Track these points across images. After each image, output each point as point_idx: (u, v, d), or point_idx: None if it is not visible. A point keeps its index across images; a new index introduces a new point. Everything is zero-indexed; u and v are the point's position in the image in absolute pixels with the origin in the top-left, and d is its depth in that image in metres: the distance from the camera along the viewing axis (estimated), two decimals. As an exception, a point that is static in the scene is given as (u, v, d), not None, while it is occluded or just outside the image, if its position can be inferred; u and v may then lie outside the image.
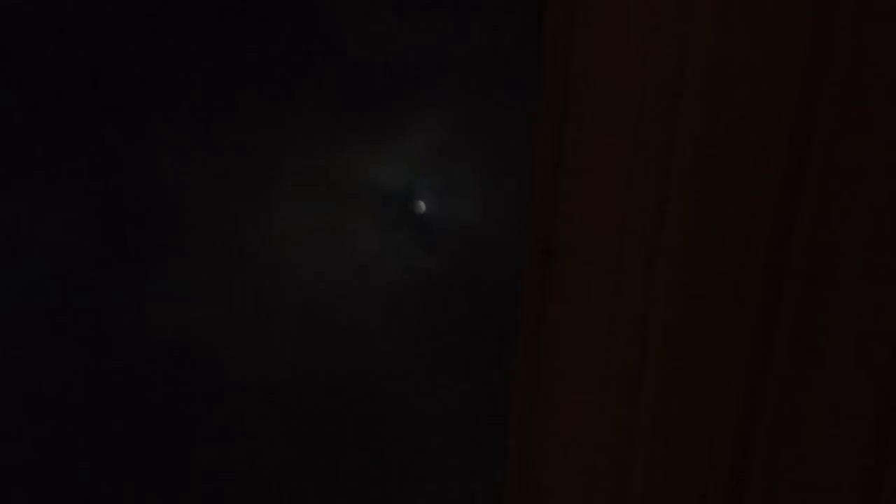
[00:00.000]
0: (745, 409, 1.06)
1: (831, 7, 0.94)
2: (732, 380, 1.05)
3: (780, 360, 1.03)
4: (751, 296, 1.03)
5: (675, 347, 1.07)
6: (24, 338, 1.27)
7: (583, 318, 1.13)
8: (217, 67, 1.23)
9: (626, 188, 1.07)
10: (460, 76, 1.23)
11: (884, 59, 0.93)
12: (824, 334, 1.00)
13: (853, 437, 1.00)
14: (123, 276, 1.27)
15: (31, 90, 1.21)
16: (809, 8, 0.95)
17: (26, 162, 1.23)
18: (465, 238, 1.28)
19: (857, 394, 0.99)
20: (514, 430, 1.19)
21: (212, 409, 1.32)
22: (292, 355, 1.31)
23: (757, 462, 1.06)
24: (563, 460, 1.17)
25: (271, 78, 1.24)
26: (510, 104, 1.22)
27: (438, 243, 1.28)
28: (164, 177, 1.25)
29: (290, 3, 1.22)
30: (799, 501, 1.04)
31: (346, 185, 1.27)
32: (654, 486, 1.11)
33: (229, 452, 1.34)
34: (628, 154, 1.07)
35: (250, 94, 1.24)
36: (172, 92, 1.23)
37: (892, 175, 0.94)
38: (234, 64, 1.23)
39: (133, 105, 1.24)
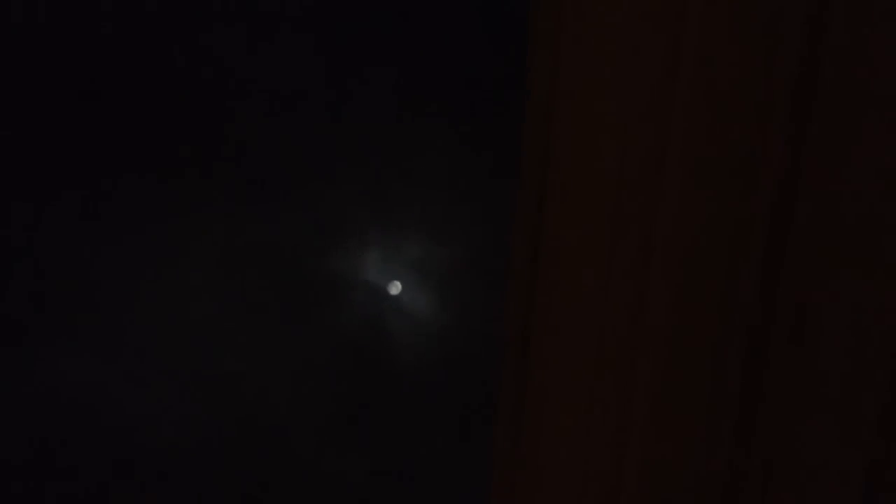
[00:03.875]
0: (734, 458, 1.02)
1: (821, 11, 0.88)
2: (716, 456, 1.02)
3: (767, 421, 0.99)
4: (734, 373, 0.99)
5: (658, 428, 1.04)
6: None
7: (563, 407, 1.09)
8: (123, 131, 1.14)
9: (607, 275, 1.04)
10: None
11: (879, 61, 0.87)
12: (818, 369, 0.96)
13: (851, 440, 0.96)
14: (18, 350, 1.20)
15: None
16: (799, 23, 0.89)
17: None
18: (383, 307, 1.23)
19: (854, 400, 0.95)
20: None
21: (111, 479, 1.26)
22: (194, 425, 1.26)
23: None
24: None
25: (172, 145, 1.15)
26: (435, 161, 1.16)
27: (361, 312, 1.22)
28: (58, 244, 1.17)
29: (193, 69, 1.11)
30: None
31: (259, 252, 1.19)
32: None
33: None
34: (609, 239, 1.04)
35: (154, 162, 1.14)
36: (67, 157, 1.13)
37: (889, 176, 0.89)
38: (140, 129, 1.13)
39: (29, 173, 1.14)
